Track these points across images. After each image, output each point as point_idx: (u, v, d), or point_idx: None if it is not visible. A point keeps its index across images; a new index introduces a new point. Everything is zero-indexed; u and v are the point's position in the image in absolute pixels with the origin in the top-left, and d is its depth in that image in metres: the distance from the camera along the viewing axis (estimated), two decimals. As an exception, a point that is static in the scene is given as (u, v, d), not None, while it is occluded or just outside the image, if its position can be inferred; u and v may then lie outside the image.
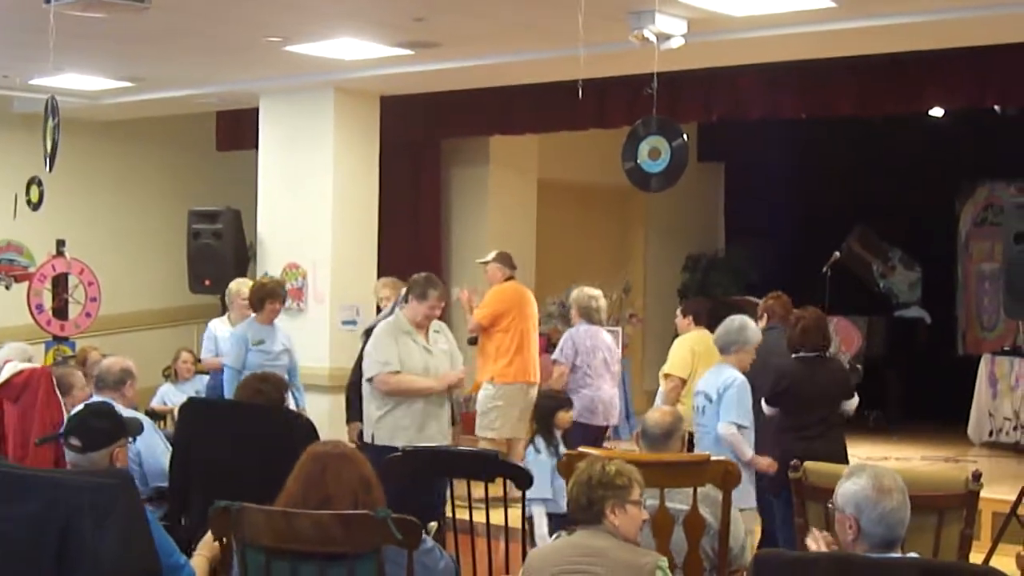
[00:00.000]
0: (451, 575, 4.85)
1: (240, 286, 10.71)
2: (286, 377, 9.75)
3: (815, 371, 8.16)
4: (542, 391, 9.72)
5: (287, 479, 4.70)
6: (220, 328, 10.76)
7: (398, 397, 8.31)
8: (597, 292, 10.50)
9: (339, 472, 4.60)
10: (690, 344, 9.84)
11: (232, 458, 6.47)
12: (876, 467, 4.49)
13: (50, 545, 4.74)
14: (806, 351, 8.19)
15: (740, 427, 7.73)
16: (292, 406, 9.74)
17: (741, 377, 7.82)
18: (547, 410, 8.52)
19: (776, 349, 8.47)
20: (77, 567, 4.71)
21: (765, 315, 9.30)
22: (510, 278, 11.09)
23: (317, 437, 5.51)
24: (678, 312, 10.53)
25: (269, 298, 10.07)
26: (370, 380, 8.40)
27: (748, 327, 8.01)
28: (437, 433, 8.36)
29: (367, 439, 8.41)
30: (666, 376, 9.87)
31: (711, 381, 7.92)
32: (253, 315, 10.19)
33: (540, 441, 8.32)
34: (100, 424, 5.46)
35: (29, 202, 13.27)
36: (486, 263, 11.20)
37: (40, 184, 13.22)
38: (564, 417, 8.56)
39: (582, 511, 4.85)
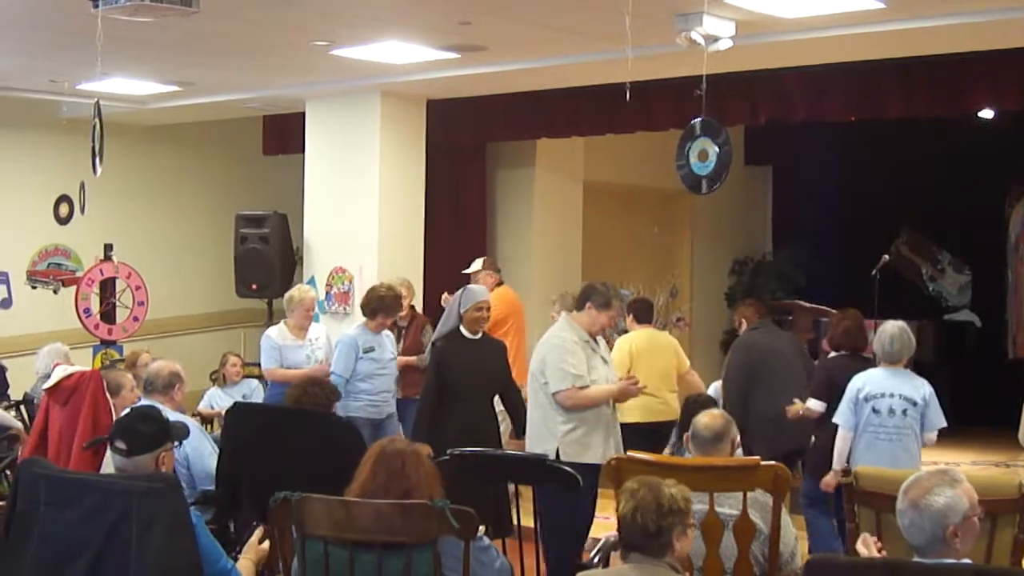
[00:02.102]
0: (507, 574, 4.85)
1: (304, 294, 10.35)
2: (395, 387, 9.99)
3: (857, 369, 8.32)
4: (696, 397, 8.87)
5: (341, 478, 4.78)
6: (283, 337, 10.16)
7: (585, 411, 7.76)
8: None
9: (416, 466, 4.75)
10: (628, 345, 10.09)
11: (278, 462, 6.47)
12: (927, 475, 4.44)
13: (97, 548, 4.77)
14: (846, 350, 8.64)
15: None
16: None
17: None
18: None
19: (762, 345, 9.36)
20: (122, 570, 4.73)
21: (743, 321, 9.91)
22: (500, 283, 11.36)
23: (363, 442, 5.51)
24: (628, 315, 10.73)
25: (383, 312, 9.86)
26: (555, 394, 7.70)
27: (908, 332, 8.15)
28: (615, 446, 7.89)
29: (547, 454, 7.45)
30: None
31: (905, 387, 7.98)
32: (363, 321, 9.96)
33: None
34: (146, 428, 5.46)
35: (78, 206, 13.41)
36: (476, 273, 11.30)
37: (83, 188, 13.32)
38: None
39: (648, 539, 4.57)
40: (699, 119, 8.51)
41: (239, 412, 7.41)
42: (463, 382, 8.48)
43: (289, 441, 6.67)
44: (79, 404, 7.57)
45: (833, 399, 8.24)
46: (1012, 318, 15.36)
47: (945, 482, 4.41)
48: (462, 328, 8.74)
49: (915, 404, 7.90)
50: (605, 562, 5.92)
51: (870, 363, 8.67)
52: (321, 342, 10.28)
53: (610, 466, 5.78)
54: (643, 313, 10.41)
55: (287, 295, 10.44)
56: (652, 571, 4.57)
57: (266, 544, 5.11)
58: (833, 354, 8.77)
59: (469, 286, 9.23)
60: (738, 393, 9.20)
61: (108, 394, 7.69)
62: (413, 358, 10.54)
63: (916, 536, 4.35)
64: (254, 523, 5.41)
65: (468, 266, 11.74)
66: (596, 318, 7.87)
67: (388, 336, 10.00)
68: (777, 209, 17.62)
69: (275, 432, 6.87)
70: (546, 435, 7.71)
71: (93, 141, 9.28)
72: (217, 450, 7.10)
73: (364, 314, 9.96)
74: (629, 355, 9.95)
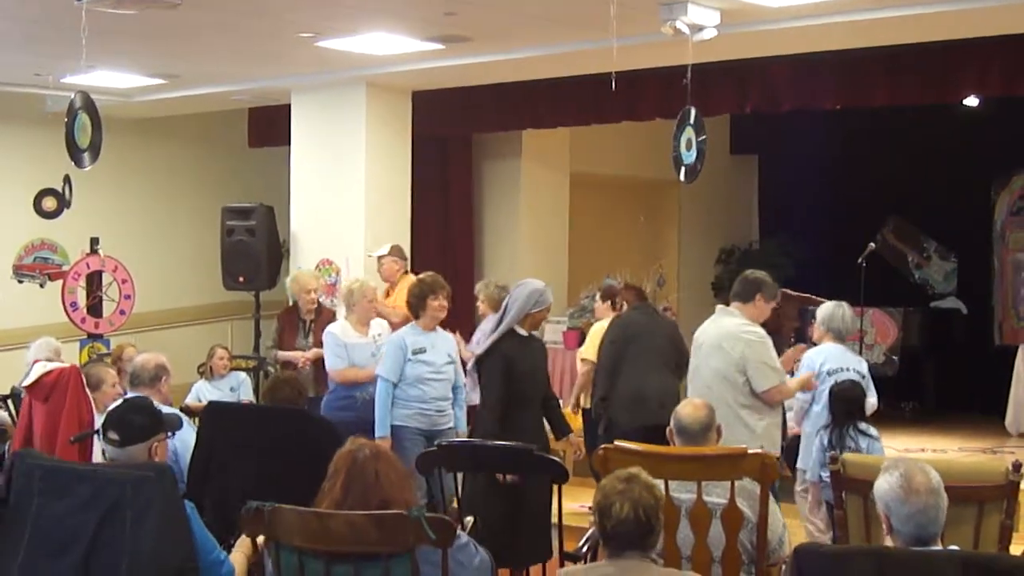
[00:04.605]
0: (486, 570, 4.83)
1: (364, 284, 9.56)
2: (451, 395, 8.85)
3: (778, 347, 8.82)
4: (844, 382, 8.35)
5: (318, 482, 4.74)
6: (347, 334, 9.36)
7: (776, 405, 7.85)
8: (505, 284, 10.50)
9: (388, 474, 4.66)
10: (603, 330, 10.08)
11: (255, 461, 6.47)
12: (910, 464, 4.41)
13: (90, 537, 4.77)
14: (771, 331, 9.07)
15: None
16: (452, 425, 8.87)
17: None
18: (862, 399, 8.23)
19: (636, 325, 9.50)
20: (116, 559, 4.73)
21: (624, 303, 10.06)
22: (406, 271, 11.02)
23: (339, 439, 5.49)
24: (597, 297, 10.78)
25: (431, 293, 8.67)
26: (765, 391, 7.67)
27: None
28: None
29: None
30: (582, 360, 10.39)
31: (855, 362, 8.47)
32: (412, 320, 8.81)
33: (869, 427, 7.97)
34: (138, 419, 5.45)
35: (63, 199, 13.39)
36: (381, 257, 11.03)
37: (70, 182, 13.29)
38: None
39: (643, 535, 4.49)
40: (693, 108, 8.55)
41: (216, 412, 7.42)
42: (528, 386, 8.01)
43: (266, 439, 6.68)
44: (60, 400, 7.56)
45: None
46: (998, 305, 15.36)
47: (916, 463, 4.43)
48: (518, 327, 8.06)
49: (864, 377, 8.27)
50: (594, 552, 5.93)
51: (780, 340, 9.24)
52: (384, 338, 9.34)
53: (598, 455, 5.78)
54: (619, 300, 10.48)
55: (345, 288, 9.75)
56: (646, 568, 4.52)
57: (260, 539, 5.10)
58: None
59: (533, 283, 8.25)
60: (607, 366, 9.35)
61: (88, 389, 7.69)
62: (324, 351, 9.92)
63: (938, 520, 4.33)
64: (220, 521, 5.39)
65: (458, 253, 11.73)
66: (764, 310, 7.97)
67: (444, 336, 8.87)
68: (763, 198, 17.65)
69: (251, 431, 6.88)
70: (747, 436, 7.53)
71: (72, 134, 9.24)
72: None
73: (413, 313, 8.80)
74: (602, 340, 10.02)
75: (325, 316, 10.59)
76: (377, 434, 8.38)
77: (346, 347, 9.26)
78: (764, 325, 8.84)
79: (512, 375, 7.88)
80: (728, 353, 7.76)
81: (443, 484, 6.77)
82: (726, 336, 7.84)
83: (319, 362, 9.88)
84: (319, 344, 10.08)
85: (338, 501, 4.61)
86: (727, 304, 8.17)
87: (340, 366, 9.24)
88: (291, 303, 10.91)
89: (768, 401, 7.73)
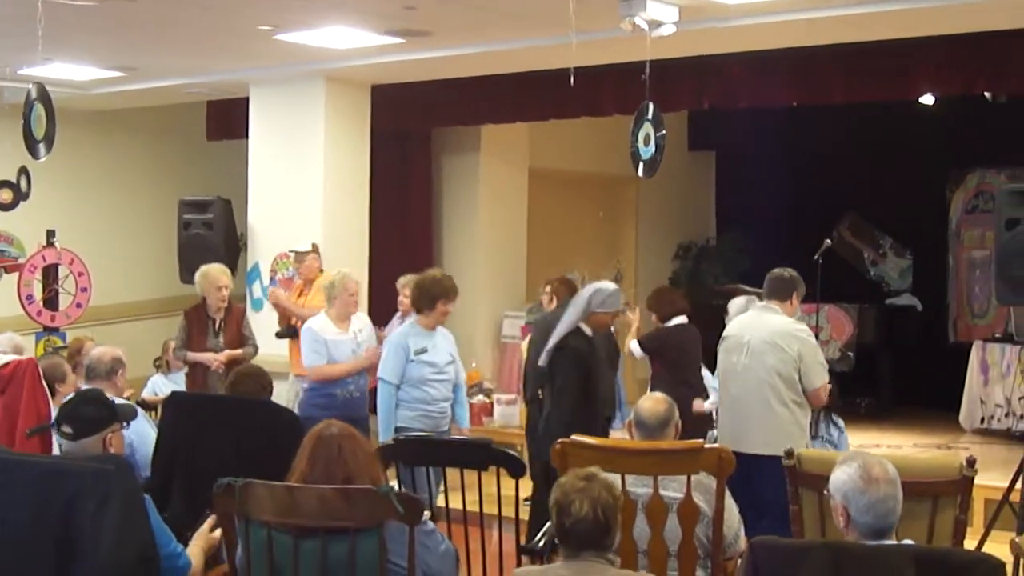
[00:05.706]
0: (451, 558, 4.86)
1: (345, 278, 9.27)
2: (452, 395, 8.77)
3: (696, 333, 9.52)
4: None
5: (284, 469, 4.74)
6: (326, 330, 9.13)
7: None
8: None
9: (354, 451, 4.69)
10: None
11: (218, 453, 6.46)
12: (867, 456, 4.45)
13: (50, 530, 4.76)
14: (677, 316, 9.78)
15: None
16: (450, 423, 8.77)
17: None
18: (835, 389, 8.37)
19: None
20: (77, 551, 4.73)
21: (555, 296, 10.03)
22: (321, 270, 10.87)
23: (302, 429, 5.49)
24: (548, 291, 10.67)
25: (443, 296, 8.55)
26: (819, 388, 7.77)
27: None
28: None
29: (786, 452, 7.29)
30: None
31: None
32: (413, 318, 8.80)
33: (839, 420, 8.27)
34: (91, 411, 5.43)
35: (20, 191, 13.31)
36: (304, 254, 10.97)
37: (28, 174, 13.22)
38: None
39: (601, 534, 4.48)
40: (651, 104, 8.59)
41: (178, 401, 7.39)
42: (597, 385, 7.97)
43: (230, 431, 6.67)
44: (17, 393, 7.51)
45: (681, 362, 9.40)
46: (953, 302, 15.50)
47: (873, 456, 4.47)
48: (583, 325, 8.00)
49: None
50: (551, 546, 5.94)
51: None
52: (365, 334, 9.32)
53: (555, 450, 5.80)
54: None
55: (326, 281, 9.56)
56: (602, 570, 4.51)
57: (217, 532, 5.10)
58: (674, 322, 9.73)
59: (600, 284, 8.20)
60: (535, 360, 9.32)
61: (45, 383, 7.66)
62: (238, 351, 9.95)
63: (895, 511, 4.35)
64: (189, 512, 5.39)
65: (417, 248, 11.60)
66: (796, 307, 8.04)
67: (444, 335, 8.77)
68: (720, 195, 17.70)
69: (216, 422, 6.86)
70: (799, 434, 7.67)
71: (29, 125, 9.20)
72: (158, 437, 7.09)
73: (416, 308, 8.71)
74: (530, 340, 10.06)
75: (236, 314, 10.23)
76: (381, 439, 8.13)
77: (326, 343, 9.06)
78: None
79: (587, 375, 7.84)
80: (785, 351, 7.76)
81: (432, 480, 6.78)
82: (781, 334, 7.82)
83: (233, 364, 9.51)
84: (231, 344, 10.03)
85: (304, 474, 4.65)
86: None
87: (318, 363, 9.05)
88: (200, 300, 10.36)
89: (815, 397, 7.79)
